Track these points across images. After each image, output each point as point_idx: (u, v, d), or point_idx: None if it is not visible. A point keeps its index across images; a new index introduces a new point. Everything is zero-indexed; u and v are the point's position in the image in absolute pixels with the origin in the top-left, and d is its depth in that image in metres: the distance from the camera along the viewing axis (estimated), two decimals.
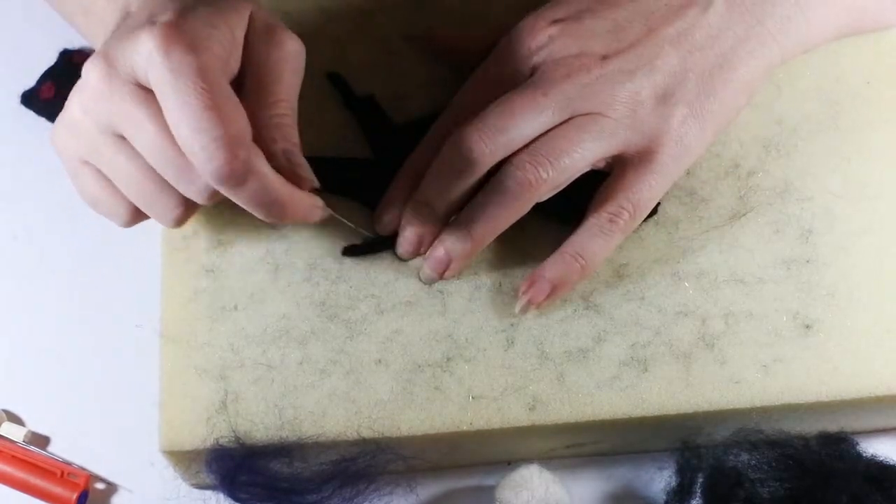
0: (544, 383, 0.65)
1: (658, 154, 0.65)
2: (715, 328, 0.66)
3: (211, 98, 0.56)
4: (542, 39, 0.66)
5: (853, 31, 0.72)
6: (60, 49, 0.77)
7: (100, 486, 0.69)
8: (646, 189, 0.65)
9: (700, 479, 0.64)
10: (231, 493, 0.63)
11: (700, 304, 0.67)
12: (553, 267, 0.65)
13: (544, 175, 0.63)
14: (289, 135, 0.61)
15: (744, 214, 0.69)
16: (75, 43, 0.78)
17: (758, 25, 0.67)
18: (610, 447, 0.68)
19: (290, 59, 0.62)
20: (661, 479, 0.67)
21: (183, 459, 0.65)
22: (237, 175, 0.57)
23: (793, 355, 0.65)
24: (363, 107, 0.71)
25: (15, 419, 0.70)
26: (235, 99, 0.58)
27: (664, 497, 0.65)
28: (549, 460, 0.66)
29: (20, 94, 0.77)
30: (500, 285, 0.67)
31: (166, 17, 0.58)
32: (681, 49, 0.65)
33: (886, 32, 0.73)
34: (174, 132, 0.57)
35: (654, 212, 0.68)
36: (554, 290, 0.65)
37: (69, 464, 0.69)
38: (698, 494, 0.64)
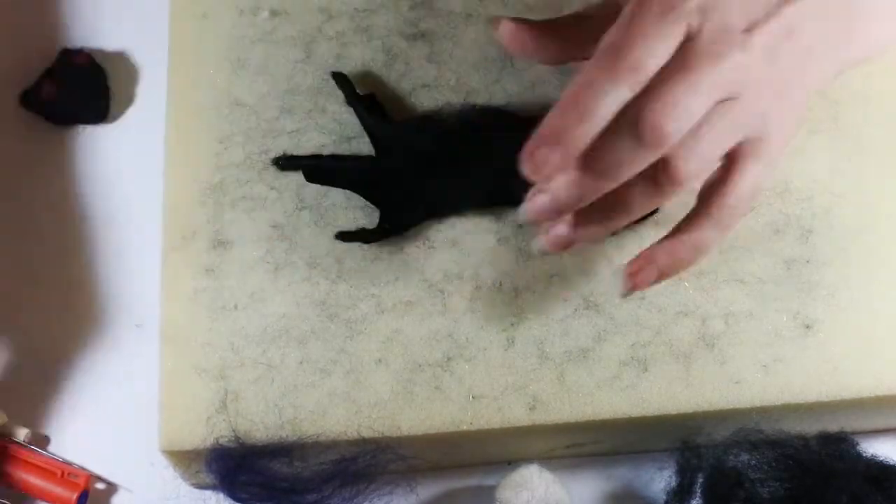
0: (544, 383, 0.65)
1: (768, 141, 0.60)
2: (715, 328, 0.66)
3: None
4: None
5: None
6: (60, 49, 0.77)
7: (100, 486, 0.69)
8: (762, 179, 0.61)
9: (700, 479, 0.64)
10: (231, 493, 0.63)
11: (700, 303, 0.67)
12: (668, 253, 0.61)
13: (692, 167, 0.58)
14: None
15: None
16: (75, 43, 0.78)
17: (841, 21, 0.63)
18: (610, 447, 0.68)
19: None
20: (661, 479, 0.67)
21: (183, 459, 0.65)
22: None
23: (793, 355, 0.65)
24: (365, 105, 0.71)
25: (15, 419, 0.70)
26: None
27: (664, 497, 0.65)
28: (549, 460, 0.66)
29: (20, 94, 0.77)
30: (501, 285, 0.67)
31: None
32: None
33: None
34: None
35: (654, 211, 0.68)
36: (660, 277, 0.62)
37: (69, 464, 0.69)
38: (698, 494, 0.64)
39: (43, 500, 0.68)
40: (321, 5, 0.74)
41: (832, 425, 0.66)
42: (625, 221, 0.62)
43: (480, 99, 0.71)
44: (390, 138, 0.70)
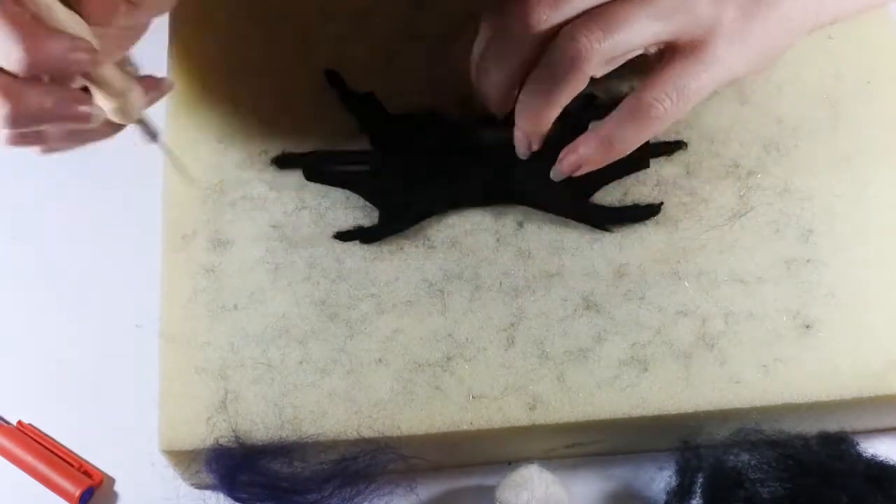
0: (544, 383, 0.65)
1: (709, 46, 0.62)
2: (715, 328, 0.66)
3: None
4: None
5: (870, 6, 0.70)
6: None
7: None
8: (692, 78, 0.62)
9: (700, 479, 0.64)
10: (231, 493, 0.63)
11: (700, 303, 0.67)
12: (585, 146, 0.64)
13: (596, 45, 0.60)
14: None
15: (744, 214, 0.69)
16: None
17: None
18: (610, 447, 0.68)
19: None
20: (661, 479, 0.67)
21: (183, 459, 0.65)
22: None
23: (793, 355, 0.65)
24: (360, 103, 0.71)
25: (15, 419, 0.70)
26: None
27: (664, 497, 0.65)
28: (549, 460, 0.66)
29: None
30: (501, 284, 0.67)
31: None
32: None
33: (886, 31, 0.73)
34: None
35: (654, 211, 0.68)
36: (580, 167, 0.65)
37: (88, 462, 0.69)
38: (698, 494, 0.64)
39: (50, 489, 0.68)
40: (320, 6, 0.74)
41: (832, 425, 0.66)
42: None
43: (479, 98, 0.71)
44: (389, 137, 0.70)
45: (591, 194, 0.69)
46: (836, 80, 0.72)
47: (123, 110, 0.57)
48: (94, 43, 0.54)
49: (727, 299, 0.67)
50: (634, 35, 0.61)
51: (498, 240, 0.68)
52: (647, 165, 0.70)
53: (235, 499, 0.63)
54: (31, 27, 0.52)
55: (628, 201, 0.69)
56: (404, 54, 0.73)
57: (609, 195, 0.69)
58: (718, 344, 0.66)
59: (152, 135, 0.60)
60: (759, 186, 0.69)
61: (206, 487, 0.67)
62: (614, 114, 0.63)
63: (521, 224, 0.68)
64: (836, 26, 0.73)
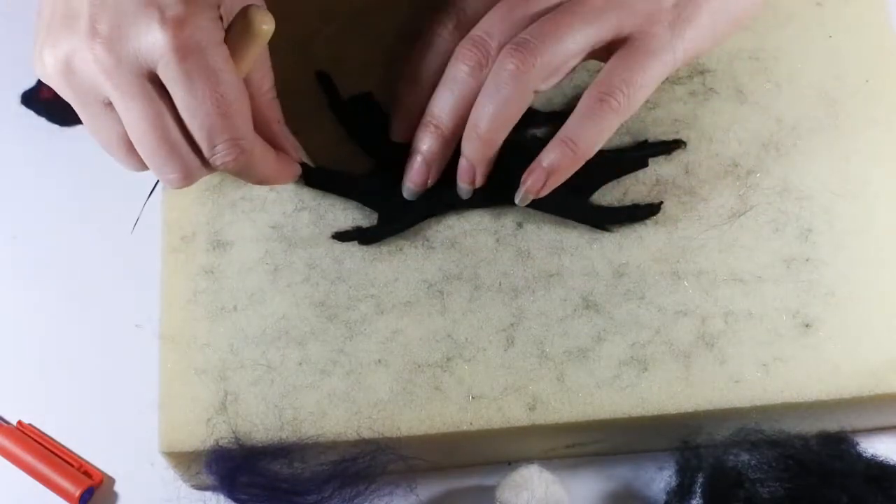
0: (544, 383, 0.65)
1: (652, 36, 0.63)
2: (715, 327, 0.66)
3: (226, 104, 0.58)
4: None
5: None
6: None
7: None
8: (639, 69, 0.63)
9: (700, 479, 0.64)
10: (231, 494, 0.63)
11: (700, 303, 0.67)
12: (548, 154, 0.64)
13: (534, 59, 0.62)
14: (280, 111, 0.67)
15: (743, 213, 0.69)
16: None
17: None
18: (610, 447, 0.68)
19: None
20: (661, 479, 0.67)
21: (183, 460, 0.65)
22: (242, 164, 0.60)
23: (792, 354, 0.65)
24: (353, 107, 0.71)
25: (14, 418, 0.70)
26: (244, 93, 0.59)
27: (664, 497, 0.65)
28: (548, 460, 0.66)
29: (20, 94, 0.77)
30: (500, 285, 0.67)
31: (174, 11, 0.57)
32: None
33: (885, 30, 0.73)
34: (187, 123, 0.58)
35: (654, 211, 0.68)
36: (549, 178, 0.64)
37: (88, 462, 0.69)
38: (698, 494, 0.64)
39: (50, 489, 0.68)
40: (319, 6, 0.74)
41: (832, 424, 0.66)
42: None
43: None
44: (386, 138, 0.70)
45: (591, 194, 0.69)
46: (835, 80, 0.72)
47: None
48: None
49: (727, 298, 0.67)
50: (571, 43, 0.62)
51: (497, 240, 0.68)
52: (645, 165, 0.70)
53: (235, 500, 0.63)
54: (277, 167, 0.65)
55: (627, 201, 0.69)
56: (400, 54, 0.73)
57: (608, 195, 0.69)
58: (718, 343, 0.66)
59: None
60: (759, 185, 0.69)
61: (207, 489, 0.67)
62: (572, 116, 0.64)
63: (520, 224, 0.68)
64: (835, 25, 0.73)
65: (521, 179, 0.65)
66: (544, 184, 0.65)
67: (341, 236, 0.68)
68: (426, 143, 0.66)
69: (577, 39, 0.62)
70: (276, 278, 0.67)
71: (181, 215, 0.69)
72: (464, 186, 0.67)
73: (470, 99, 0.64)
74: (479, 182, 0.66)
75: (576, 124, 0.64)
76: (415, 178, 0.67)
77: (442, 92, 0.65)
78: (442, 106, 0.65)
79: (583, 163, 0.64)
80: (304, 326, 0.66)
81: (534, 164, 0.65)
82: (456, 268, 0.68)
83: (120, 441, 0.70)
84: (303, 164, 0.69)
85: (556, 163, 0.64)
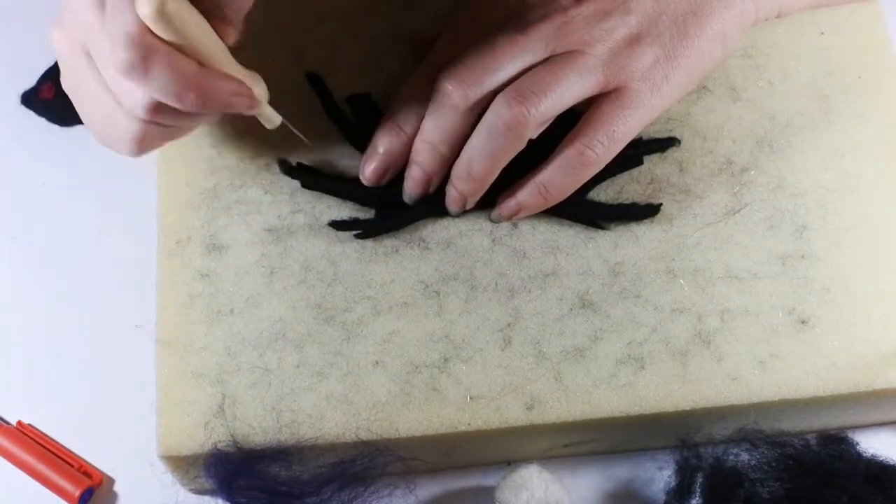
0: (542, 383, 0.65)
1: (633, 92, 0.65)
2: (711, 325, 0.66)
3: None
4: None
5: (826, 3, 0.73)
6: None
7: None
8: (621, 123, 0.65)
9: (700, 479, 0.64)
10: (230, 498, 0.63)
11: (696, 301, 0.67)
12: (523, 192, 0.67)
13: (531, 110, 0.63)
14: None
15: (738, 211, 0.69)
16: None
17: None
18: (608, 446, 0.68)
19: None
20: (660, 479, 0.67)
21: (181, 464, 0.65)
22: (137, 63, 0.56)
23: (789, 351, 0.66)
24: (344, 110, 0.71)
25: (14, 418, 0.70)
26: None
27: (664, 497, 0.65)
28: (547, 460, 0.67)
29: (20, 94, 0.77)
30: (496, 285, 0.67)
31: None
32: None
33: (877, 26, 0.73)
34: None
35: (653, 212, 0.68)
36: (520, 212, 0.68)
37: (88, 462, 0.69)
38: (698, 494, 0.64)
39: (49, 489, 0.68)
40: (312, 8, 0.74)
41: (829, 420, 0.66)
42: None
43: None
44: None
45: (586, 193, 0.69)
46: (827, 76, 0.72)
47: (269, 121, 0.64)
48: (257, 92, 0.61)
49: (723, 296, 0.67)
50: (566, 94, 0.64)
51: (493, 240, 0.68)
52: (640, 163, 0.70)
53: (234, 503, 0.63)
54: (199, 75, 0.58)
55: (622, 199, 0.69)
56: (394, 55, 0.73)
57: (603, 193, 0.69)
58: (715, 341, 0.66)
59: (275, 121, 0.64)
60: (753, 183, 0.70)
61: (205, 492, 0.67)
62: (551, 163, 0.66)
63: (515, 224, 0.68)
64: (827, 22, 0.73)
65: (498, 201, 0.68)
66: (515, 213, 0.68)
67: (339, 225, 0.68)
68: (423, 157, 0.67)
69: (571, 91, 0.64)
70: (273, 281, 0.67)
71: (176, 219, 0.69)
72: (455, 210, 0.68)
73: (463, 128, 0.66)
74: (469, 207, 0.68)
75: (553, 173, 0.66)
76: (416, 188, 0.68)
77: (441, 120, 0.66)
78: (440, 133, 0.67)
79: (552, 205, 0.67)
80: (300, 329, 0.66)
81: (508, 193, 0.67)
82: (452, 268, 0.68)
83: (120, 441, 0.69)
84: (298, 165, 0.69)
85: (526, 202, 0.67)
